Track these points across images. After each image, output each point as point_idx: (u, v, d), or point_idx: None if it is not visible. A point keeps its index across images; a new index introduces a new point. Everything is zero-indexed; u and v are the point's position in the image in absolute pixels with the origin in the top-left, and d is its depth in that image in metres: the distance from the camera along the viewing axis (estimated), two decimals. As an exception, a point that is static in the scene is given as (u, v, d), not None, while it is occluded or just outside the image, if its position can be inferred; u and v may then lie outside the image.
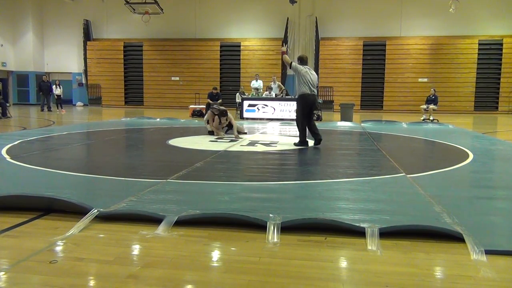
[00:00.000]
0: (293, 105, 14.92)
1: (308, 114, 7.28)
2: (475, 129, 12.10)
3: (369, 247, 2.58)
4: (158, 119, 13.39)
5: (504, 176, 5.14)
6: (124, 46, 23.82)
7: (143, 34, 23.41)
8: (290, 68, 7.27)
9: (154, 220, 2.96)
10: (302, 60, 7.31)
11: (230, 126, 8.91)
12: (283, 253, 2.51)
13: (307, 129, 7.31)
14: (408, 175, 4.70)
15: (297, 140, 7.42)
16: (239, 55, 22.68)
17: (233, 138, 8.41)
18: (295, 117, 7.65)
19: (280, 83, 18.04)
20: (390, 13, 21.60)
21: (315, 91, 7.18)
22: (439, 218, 3.08)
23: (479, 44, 20.77)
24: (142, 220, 3.01)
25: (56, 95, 18.81)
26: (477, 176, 5.11)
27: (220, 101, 15.74)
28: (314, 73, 7.25)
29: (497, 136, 10.03)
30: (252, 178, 4.74)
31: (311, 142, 7.35)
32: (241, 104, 15.43)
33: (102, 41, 24.21)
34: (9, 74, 24.65)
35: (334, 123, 13.40)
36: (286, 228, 2.83)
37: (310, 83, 7.06)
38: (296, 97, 7.32)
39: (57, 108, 18.23)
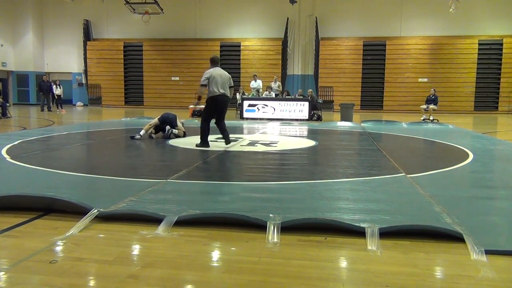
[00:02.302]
0: (293, 105, 14.97)
1: (220, 113, 7.16)
2: (475, 129, 12.10)
3: (369, 247, 2.57)
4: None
5: (504, 176, 5.14)
6: (124, 46, 23.83)
7: (143, 34, 23.42)
8: (205, 87, 7.08)
9: (154, 220, 2.95)
10: (214, 61, 7.15)
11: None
12: (283, 253, 2.51)
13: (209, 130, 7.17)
14: (408, 175, 4.70)
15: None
16: (239, 55, 22.69)
17: (233, 138, 8.42)
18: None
19: (280, 83, 18.05)
20: (390, 13, 21.61)
21: (226, 90, 7.02)
22: (439, 218, 3.08)
23: (479, 44, 20.79)
24: (142, 220, 3.01)
25: (56, 95, 18.82)
26: (477, 176, 5.10)
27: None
28: (224, 73, 7.09)
29: (497, 136, 10.03)
30: (252, 178, 4.73)
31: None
32: (241, 104, 15.43)
33: (102, 41, 24.22)
34: (9, 74, 24.66)
35: (334, 123, 13.40)
36: (286, 228, 2.83)
37: (219, 83, 6.93)
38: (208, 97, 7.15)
39: (57, 108, 18.24)
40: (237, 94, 16.62)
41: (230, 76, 7.23)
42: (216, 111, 7.17)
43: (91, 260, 2.37)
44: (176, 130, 8.41)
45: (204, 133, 7.08)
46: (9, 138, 7.71)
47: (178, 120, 8.61)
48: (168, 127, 8.35)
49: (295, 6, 21.05)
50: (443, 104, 18.17)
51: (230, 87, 7.18)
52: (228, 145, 7.15)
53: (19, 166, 5.13)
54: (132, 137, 8.01)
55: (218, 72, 7.04)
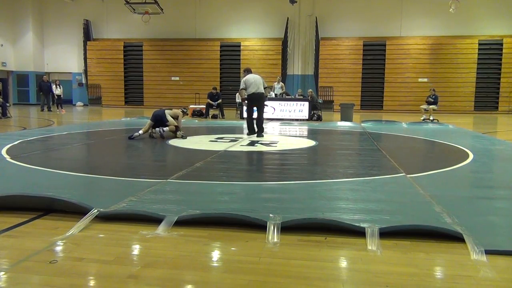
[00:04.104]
0: (293, 105, 14.98)
1: (257, 108, 9.14)
2: (475, 129, 12.10)
3: (369, 247, 2.57)
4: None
5: (504, 176, 5.13)
6: (124, 46, 23.83)
7: (143, 34, 23.41)
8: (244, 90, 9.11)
9: (154, 220, 2.95)
10: (247, 70, 9.41)
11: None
12: (283, 253, 2.51)
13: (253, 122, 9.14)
14: (408, 175, 4.70)
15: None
16: (239, 55, 22.69)
17: (233, 138, 8.43)
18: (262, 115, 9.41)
19: (283, 83, 18.06)
20: (390, 13, 21.61)
21: (261, 88, 9.04)
22: (439, 218, 3.08)
23: (479, 44, 20.78)
24: (142, 220, 3.01)
25: (56, 95, 18.81)
26: (477, 176, 5.11)
27: (220, 101, 15.79)
28: (256, 76, 9.17)
29: (497, 136, 10.03)
30: (252, 178, 4.74)
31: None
32: (241, 104, 15.42)
33: (102, 41, 24.22)
34: (9, 74, 24.65)
35: (334, 123, 13.40)
36: (286, 228, 2.83)
37: (252, 85, 8.94)
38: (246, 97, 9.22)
39: (57, 108, 18.26)
40: (237, 94, 16.59)
41: (262, 77, 9.29)
42: (253, 106, 9.11)
43: (91, 260, 2.37)
44: (167, 128, 8.18)
45: (249, 124, 9.11)
46: (9, 138, 7.71)
47: (168, 115, 8.26)
48: (157, 129, 8.20)
49: (295, 6, 21.04)
50: (443, 104, 18.17)
51: (265, 87, 9.17)
52: (258, 138, 8.68)
53: (19, 166, 5.13)
54: (131, 137, 7.94)
55: (251, 76, 9.08)
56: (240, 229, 2.87)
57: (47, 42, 25.16)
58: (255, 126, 9.05)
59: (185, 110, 9.20)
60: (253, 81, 8.97)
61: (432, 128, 11.94)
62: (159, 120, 8.23)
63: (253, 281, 2.15)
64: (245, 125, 10.19)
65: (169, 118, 8.27)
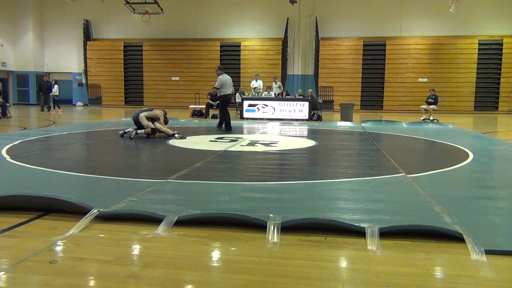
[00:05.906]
0: (293, 105, 15.00)
1: (226, 107, 10.39)
2: (475, 129, 12.10)
3: (369, 247, 2.57)
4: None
5: (504, 176, 5.14)
6: (124, 46, 23.82)
7: (143, 34, 23.40)
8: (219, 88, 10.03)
9: (154, 220, 2.95)
10: (222, 69, 10.31)
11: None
12: (283, 253, 2.51)
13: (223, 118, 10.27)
14: (408, 175, 4.70)
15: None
16: (239, 55, 22.68)
17: (233, 138, 8.43)
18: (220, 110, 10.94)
19: (280, 83, 18.07)
20: (390, 13, 21.60)
21: (232, 89, 10.46)
22: (439, 218, 3.08)
23: (479, 44, 20.77)
24: (142, 220, 3.01)
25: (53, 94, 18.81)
26: (477, 176, 5.10)
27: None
28: (229, 77, 10.18)
29: (497, 136, 10.03)
30: (252, 178, 4.74)
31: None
32: (241, 104, 15.43)
33: (102, 41, 24.21)
34: (9, 74, 24.65)
35: (334, 123, 13.40)
36: (286, 228, 2.83)
37: (228, 86, 10.05)
38: (219, 95, 10.27)
39: (55, 107, 18.29)
40: (237, 94, 16.62)
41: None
42: (227, 105, 10.33)
43: (91, 260, 2.37)
44: (141, 130, 8.12)
45: (227, 119, 10.08)
46: (9, 138, 7.71)
47: (143, 118, 8.11)
48: (130, 129, 8.33)
49: (295, 6, 21.04)
50: (443, 104, 18.17)
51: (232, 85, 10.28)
52: (224, 131, 9.76)
53: (19, 166, 5.13)
54: (122, 135, 8.35)
55: (227, 77, 10.01)
56: (240, 229, 2.87)
57: (47, 42, 25.15)
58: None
59: (167, 118, 8.84)
60: (228, 82, 10.00)
61: (432, 128, 11.94)
62: (137, 123, 8.23)
63: (253, 281, 2.15)
64: (244, 124, 10.21)
65: (144, 122, 8.12)
